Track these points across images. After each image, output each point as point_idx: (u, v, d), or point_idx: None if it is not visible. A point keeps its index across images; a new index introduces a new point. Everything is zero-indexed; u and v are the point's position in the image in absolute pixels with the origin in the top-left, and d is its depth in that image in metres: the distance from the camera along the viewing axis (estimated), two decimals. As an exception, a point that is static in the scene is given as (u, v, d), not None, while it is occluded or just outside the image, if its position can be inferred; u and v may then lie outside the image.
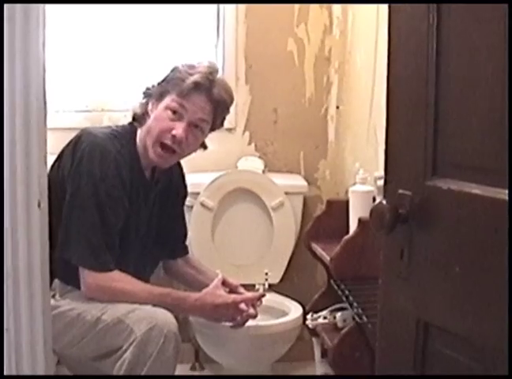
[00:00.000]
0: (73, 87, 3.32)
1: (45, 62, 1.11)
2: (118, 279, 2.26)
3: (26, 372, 1.06)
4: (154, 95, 2.38)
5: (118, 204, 2.28)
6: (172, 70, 2.37)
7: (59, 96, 3.25)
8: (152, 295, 2.27)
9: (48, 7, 1.15)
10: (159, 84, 2.39)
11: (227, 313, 2.38)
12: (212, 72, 2.34)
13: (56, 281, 2.28)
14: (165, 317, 2.18)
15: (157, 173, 2.46)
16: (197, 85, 2.30)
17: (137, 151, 2.38)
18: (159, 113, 2.33)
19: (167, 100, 2.33)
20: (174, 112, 2.32)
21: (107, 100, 3.35)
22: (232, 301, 2.36)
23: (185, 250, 2.71)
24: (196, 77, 2.30)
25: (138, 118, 2.41)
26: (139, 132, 2.39)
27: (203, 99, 2.33)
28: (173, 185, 2.57)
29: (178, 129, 2.30)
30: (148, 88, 2.42)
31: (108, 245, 2.25)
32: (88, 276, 2.23)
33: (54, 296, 2.25)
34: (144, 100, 2.42)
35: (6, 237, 1.05)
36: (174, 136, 2.30)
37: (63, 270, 2.21)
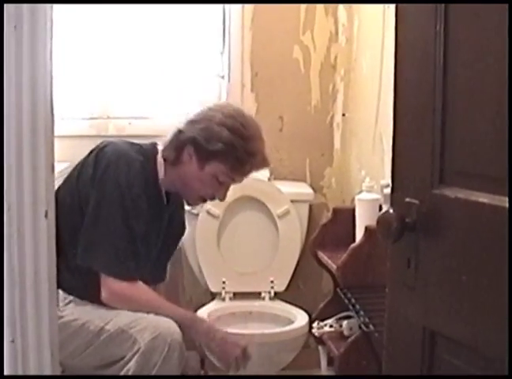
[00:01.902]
0: (78, 94, 3.33)
1: (52, 69, 1.11)
2: (144, 291, 2.26)
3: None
4: (195, 148, 2.30)
5: (142, 213, 2.28)
6: (218, 129, 2.28)
7: (64, 104, 3.25)
8: (174, 314, 2.25)
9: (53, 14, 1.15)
10: (199, 139, 2.29)
11: (229, 349, 2.33)
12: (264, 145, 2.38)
13: (59, 291, 2.27)
14: (169, 326, 2.18)
15: (171, 196, 2.47)
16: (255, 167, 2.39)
17: (157, 170, 2.38)
18: (205, 177, 2.32)
19: (216, 170, 2.30)
20: (221, 182, 2.34)
21: (112, 108, 3.35)
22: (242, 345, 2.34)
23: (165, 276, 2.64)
24: (257, 161, 2.35)
25: (167, 155, 2.37)
26: (160, 159, 2.38)
27: (251, 168, 2.39)
28: (180, 211, 2.60)
29: (222, 194, 2.39)
30: (180, 131, 2.34)
31: (133, 253, 2.24)
32: (112, 284, 2.22)
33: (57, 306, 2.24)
34: (174, 139, 2.35)
35: (14, 246, 1.04)
36: (216, 198, 2.39)
37: (67, 280, 2.20)
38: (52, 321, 1.09)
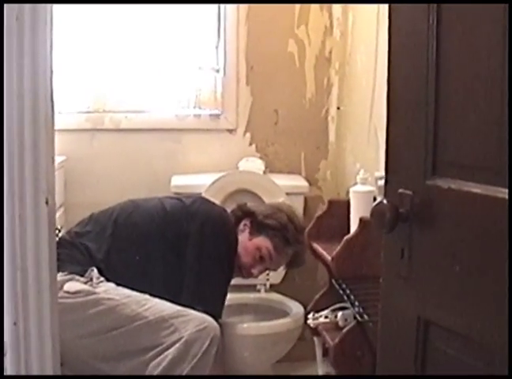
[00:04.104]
0: (74, 88, 3.33)
1: (52, 63, 1.13)
2: None
3: (34, 365, 1.08)
4: (251, 220, 2.70)
5: None
6: (279, 214, 2.69)
7: (61, 98, 3.25)
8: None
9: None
10: (257, 214, 2.70)
11: None
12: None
13: (94, 269, 2.36)
14: (213, 322, 2.32)
15: None
16: (294, 254, 2.73)
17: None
18: (250, 247, 2.67)
19: (261, 243, 2.68)
20: (261, 257, 2.67)
21: (109, 101, 3.35)
22: None
23: None
24: (299, 251, 2.72)
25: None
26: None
27: (288, 258, 2.76)
28: None
29: (257, 272, 2.72)
30: (245, 204, 2.79)
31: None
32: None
33: (88, 282, 2.33)
34: (237, 209, 2.77)
35: (15, 233, 1.06)
36: (250, 273, 2.71)
37: (113, 270, 2.39)
38: (53, 304, 1.12)
